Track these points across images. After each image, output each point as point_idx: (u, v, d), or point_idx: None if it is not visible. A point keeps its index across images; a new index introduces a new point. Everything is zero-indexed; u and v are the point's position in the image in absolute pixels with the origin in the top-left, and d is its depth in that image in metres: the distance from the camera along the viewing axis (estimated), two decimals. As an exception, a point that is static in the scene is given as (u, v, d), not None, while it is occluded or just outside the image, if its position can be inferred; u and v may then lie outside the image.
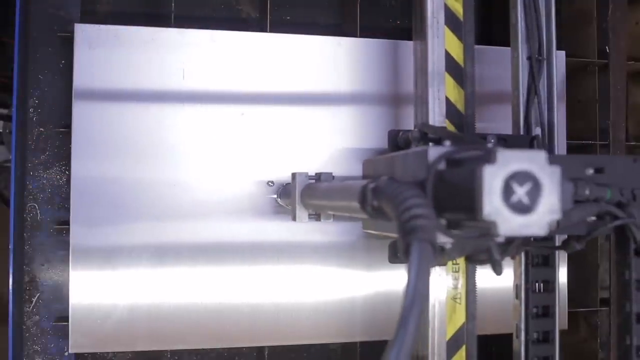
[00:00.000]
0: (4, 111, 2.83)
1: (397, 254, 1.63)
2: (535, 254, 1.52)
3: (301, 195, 1.52)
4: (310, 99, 1.88)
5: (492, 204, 0.74)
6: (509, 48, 1.63)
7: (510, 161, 0.74)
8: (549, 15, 1.61)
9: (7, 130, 2.82)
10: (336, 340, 1.97)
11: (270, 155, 1.85)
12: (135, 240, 1.76)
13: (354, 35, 1.98)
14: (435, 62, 1.60)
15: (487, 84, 1.90)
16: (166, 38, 1.81)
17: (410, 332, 0.63)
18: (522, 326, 1.51)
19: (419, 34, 1.66)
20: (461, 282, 1.60)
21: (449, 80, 1.61)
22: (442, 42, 1.60)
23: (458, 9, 1.62)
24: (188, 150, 1.81)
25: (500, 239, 0.94)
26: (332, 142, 1.87)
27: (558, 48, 1.78)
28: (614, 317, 1.21)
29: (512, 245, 1.09)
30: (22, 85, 1.81)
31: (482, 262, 1.09)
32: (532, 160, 0.75)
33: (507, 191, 0.74)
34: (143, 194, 1.77)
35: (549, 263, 1.53)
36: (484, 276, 1.60)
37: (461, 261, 1.61)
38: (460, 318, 1.59)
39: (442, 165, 0.93)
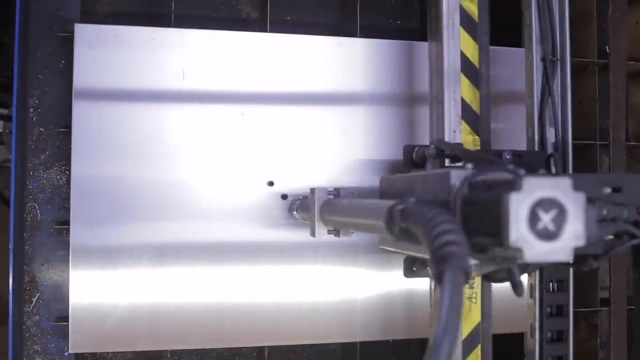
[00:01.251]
0: (4, 111, 2.83)
1: (412, 269, 1.63)
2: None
3: (320, 211, 1.50)
4: (310, 99, 1.88)
5: (519, 231, 0.75)
6: (515, 49, 1.63)
7: (536, 188, 0.75)
8: (563, 16, 1.62)
9: (7, 130, 2.82)
10: (336, 340, 1.97)
11: (270, 155, 1.85)
12: (135, 240, 1.76)
13: (354, 35, 1.98)
14: (451, 63, 1.61)
15: (498, 84, 1.90)
16: (166, 38, 1.81)
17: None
18: (537, 325, 1.52)
19: (434, 35, 1.68)
20: (477, 282, 1.61)
21: (465, 81, 1.62)
22: (458, 43, 1.62)
23: (473, 10, 1.63)
24: (188, 150, 1.81)
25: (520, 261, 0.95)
26: (332, 141, 1.87)
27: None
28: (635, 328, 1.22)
29: (531, 265, 1.10)
30: (22, 85, 1.81)
31: (500, 281, 1.10)
32: (557, 187, 0.76)
33: (533, 218, 0.75)
34: (143, 193, 1.77)
35: None
36: None
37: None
38: (475, 317, 1.60)
39: (465, 190, 0.94)
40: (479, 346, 1.60)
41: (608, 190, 1.07)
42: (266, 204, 1.84)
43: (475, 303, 1.60)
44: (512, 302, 1.80)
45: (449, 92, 1.60)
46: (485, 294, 1.60)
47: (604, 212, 1.03)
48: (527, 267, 1.09)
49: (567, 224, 0.75)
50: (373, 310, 1.89)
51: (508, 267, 1.01)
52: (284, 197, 1.85)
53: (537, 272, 1.53)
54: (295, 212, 1.79)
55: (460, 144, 1.58)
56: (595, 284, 2.11)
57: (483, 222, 0.85)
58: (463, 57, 1.62)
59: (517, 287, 1.04)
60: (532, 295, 1.55)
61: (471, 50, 1.63)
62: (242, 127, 1.84)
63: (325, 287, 1.87)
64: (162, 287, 1.77)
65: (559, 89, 1.61)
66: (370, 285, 1.89)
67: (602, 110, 2.11)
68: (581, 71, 2.13)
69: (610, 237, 1.09)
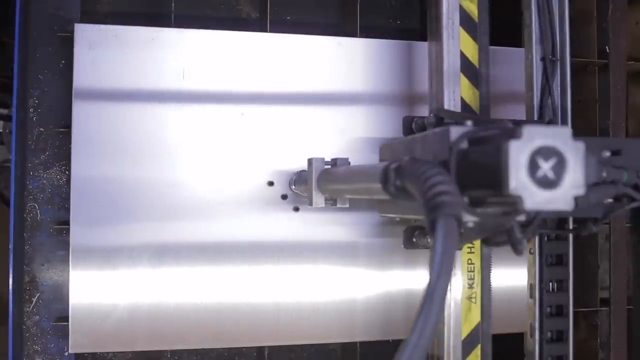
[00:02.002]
0: (4, 111, 2.83)
1: (412, 239, 1.64)
2: (549, 253, 1.54)
3: (318, 180, 1.52)
4: (310, 99, 1.88)
5: (519, 179, 0.75)
6: (515, 49, 1.63)
7: (536, 136, 0.76)
8: (563, 16, 1.62)
9: (7, 130, 2.82)
10: (336, 340, 1.97)
11: (270, 155, 1.85)
12: (135, 240, 1.76)
13: (354, 35, 1.98)
14: (451, 62, 1.62)
15: (497, 84, 1.90)
16: (166, 38, 1.81)
17: (436, 306, 0.65)
18: (537, 325, 1.52)
19: (434, 35, 1.68)
20: (476, 282, 1.61)
21: (464, 81, 1.62)
22: (458, 43, 1.62)
23: (473, 10, 1.63)
24: (188, 150, 1.81)
25: (521, 218, 0.95)
26: (331, 141, 1.87)
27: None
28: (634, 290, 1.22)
29: (531, 226, 1.10)
30: (22, 85, 1.81)
31: (500, 244, 1.10)
32: (557, 136, 0.76)
33: (533, 166, 0.75)
34: (143, 193, 1.77)
35: (562, 262, 1.55)
36: (496, 276, 1.62)
37: (477, 261, 1.62)
38: (475, 317, 1.60)
39: (464, 145, 0.95)
40: (479, 346, 1.60)
41: (607, 153, 1.07)
42: (266, 204, 1.84)
43: (475, 303, 1.60)
44: (511, 302, 1.82)
45: (449, 92, 1.60)
46: (485, 293, 1.60)
47: (604, 174, 1.03)
48: (527, 229, 1.09)
49: (567, 173, 0.75)
50: (373, 310, 1.89)
51: (507, 225, 1.02)
52: (284, 197, 1.85)
53: (537, 272, 1.53)
54: (293, 186, 1.80)
55: (461, 112, 1.58)
56: (595, 284, 2.11)
57: (482, 173, 0.86)
58: (463, 57, 1.62)
59: (516, 245, 1.04)
60: (532, 295, 1.55)
61: (471, 50, 1.63)
62: (242, 127, 1.84)
63: (325, 287, 1.87)
64: (162, 287, 1.77)
65: (559, 88, 1.61)
66: (370, 285, 1.89)
67: (602, 110, 2.11)
68: (581, 71, 2.13)
69: (610, 200, 1.10)
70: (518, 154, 0.75)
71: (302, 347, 2.00)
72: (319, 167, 1.52)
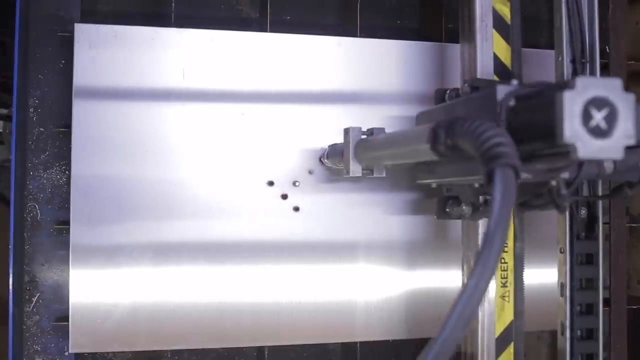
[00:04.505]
0: (4, 111, 2.83)
1: (445, 209, 1.65)
2: (579, 252, 1.56)
3: (355, 149, 1.53)
4: (310, 99, 1.89)
5: (573, 128, 0.78)
6: (545, 50, 1.65)
7: (589, 87, 0.79)
8: (592, 19, 1.65)
9: (7, 130, 2.82)
10: (336, 340, 1.97)
11: (271, 155, 1.85)
12: (135, 239, 1.76)
13: (354, 35, 1.98)
14: (484, 65, 1.63)
15: None
16: (166, 38, 1.81)
17: (494, 253, 0.66)
18: (567, 323, 1.55)
19: (466, 37, 1.71)
20: (509, 281, 1.63)
21: None
22: (491, 45, 1.65)
23: (506, 12, 1.66)
24: (188, 149, 1.81)
25: (565, 176, 0.98)
26: (331, 141, 1.87)
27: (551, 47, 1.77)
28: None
29: (573, 185, 1.11)
30: (22, 85, 1.81)
31: (540, 207, 1.11)
32: (609, 87, 0.79)
33: (586, 116, 0.78)
34: (143, 193, 1.77)
35: (592, 262, 1.57)
36: (528, 275, 1.65)
37: (510, 260, 1.64)
38: (508, 316, 1.63)
39: (512, 102, 0.97)
40: (512, 344, 1.62)
41: None
42: (266, 203, 1.84)
43: (508, 302, 1.63)
44: (543, 300, 1.83)
45: None
46: (518, 292, 1.63)
47: None
48: (572, 183, 1.10)
49: (618, 123, 0.78)
50: (373, 310, 1.89)
51: (548, 188, 1.03)
52: (284, 197, 1.85)
53: (568, 271, 1.56)
54: (325, 160, 1.80)
55: (496, 80, 1.60)
56: (596, 283, 2.11)
57: (533, 126, 0.88)
58: (496, 59, 1.65)
59: (561, 202, 1.05)
60: (562, 294, 1.58)
61: (504, 52, 1.66)
62: (242, 127, 1.84)
63: (325, 287, 1.87)
64: (162, 286, 1.78)
65: None
66: (370, 285, 1.89)
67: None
68: (581, 71, 2.13)
69: None
70: (572, 103, 0.78)
71: (302, 347, 2.00)
72: (356, 136, 1.53)
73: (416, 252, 1.92)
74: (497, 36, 1.67)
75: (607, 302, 2.09)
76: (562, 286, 1.58)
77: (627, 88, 0.79)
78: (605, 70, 2.11)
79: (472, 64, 1.66)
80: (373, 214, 1.89)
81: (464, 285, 0.66)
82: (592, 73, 1.64)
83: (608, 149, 0.78)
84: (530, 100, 0.95)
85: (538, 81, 1.00)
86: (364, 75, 1.91)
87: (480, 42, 1.65)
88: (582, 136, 0.78)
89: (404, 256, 1.91)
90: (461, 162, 1.17)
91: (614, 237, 2.06)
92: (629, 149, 0.81)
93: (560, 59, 1.62)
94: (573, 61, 1.62)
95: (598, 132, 0.78)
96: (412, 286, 1.92)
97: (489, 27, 1.65)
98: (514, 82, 1.02)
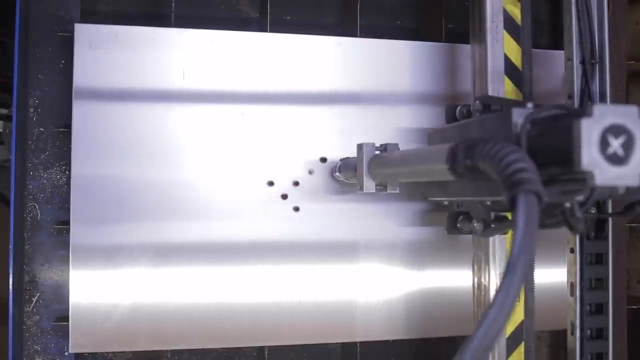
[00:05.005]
0: (4, 111, 2.83)
1: (456, 225, 1.65)
2: (589, 252, 1.57)
3: (368, 165, 1.52)
4: (310, 99, 1.88)
5: (591, 156, 0.79)
6: (555, 51, 1.65)
7: (607, 115, 0.79)
8: (601, 20, 1.65)
9: (7, 130, 2.82)
10: (336, 340, 1.97)
11: (271, 155, 1.85)
12: (135, 239, 1.76)
13: (354, 35, 1.98)
14: (495, 65, 1.64)
15: (537, 85, 1.90)
16: (166, 38, 1.81)
17: (517, 279, 0.66)
18: (577, 323, 1.55)
19: (477, 38, 1.72)
20: None
21: (508, 83, 1.66)
22: (502, 46, 1.66)
23: (516, 13, 1.68)
24: (188, 150, 1.81)
25: (579, 198, 0.99)
26: (331, 141, 1.87)
27: (557, 48, 1.79)
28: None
29: (586, 205, 1.12)
30: (22, 85, 1.81)
31: (554, 225, 1.12)
32: (626, 115, 0.80)
33: (604, 143, 0.79)
34: (143, 193, 1.77)
35: (602, 261, 1.58)
36: (538, 275, 1.65)
37: None
38: (519, 315, 1.63)
39: (529, 125, 0.98)
40: (523, 343, 1.63)
41: None
42: (266, 204, 1.84)
43: (519, 301, 1.63)
44: (553, 300, 1.83)
45: (494, 93, 1.64)
46: (529, 292, 1.63)
47: None
48: (584, 205, 1.11)
49: (636, 150, 0.79)
50: (373, 310, 1.89)
51: (561, 207, 1.04)
52: (284, 197, 1.85)
53: (578, 271, 1.57)
54: (337, 174, 1.80)
55: (507, 98, 1.60)
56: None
57: (550, 151, 0.89)
58: (507, 59, 1.66)
59: (576, 223, 1.06)
60: (572, 294, 1.59)
61: (514, 53, 1.67)
62: (242, 127, 1.84)
63: (325, 287, 1.87)
64: (162, 287, 1.77)
65: (598, 90, 1.64)
66: (370, 285, 1.89)
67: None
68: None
69: None
70: (590, 131, 0.79)
71: (302, 347, 2.00)
72: (369, 152, 1.53)
73: (416, 252, 1.92)
74: (507, 37, 1.68)
75: (607, 302, 2.09)
76: (572, 286, 1.58)
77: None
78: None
79: (482, 65, 1.67)
80: (373, 213, 1.89)
81: (485, 313, 0.65)
82: (602, 74, 1.64)
83: (625, 176, 0.79)
84: (547, 125, 0.96)
85: (553, 105, 1.00)
86: (363, 75, 1.91)
87: (491, 42, 1.66)
88: (600, 164, 0.79)
89: (404, 256, 1.91)
90: (475, 181, 1.18)
91: (614, 237, 2.06)
92: None
93: (570, 60, 1.63)
94: (582, 62, 1.63)
95: (615, 160, 0.79)
96: (412, 286, 1.92)
97: (499, 28, 1.66)
98: (529, 105, 1.02)
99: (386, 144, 1.54)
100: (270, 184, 1.84)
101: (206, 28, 1.85)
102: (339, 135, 1.88)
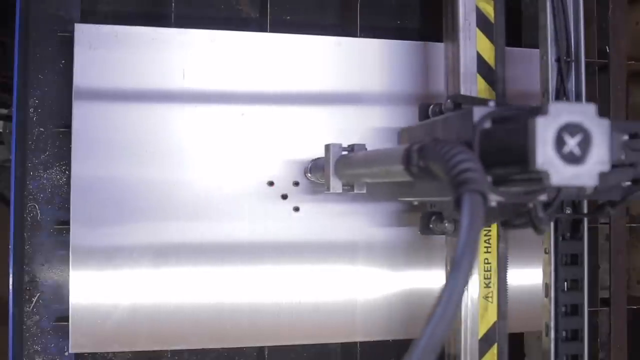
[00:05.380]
0: (4, 111, 2.83)
1: (429, 225, 1.65)
2: (564, 253, 1.56)
3: (335, 165, 1.52)
4: (310, 99, 1.88)
5: (545, 155, 0.77)
6: (529, 49, 1.64)
7: (562, 113, 0.77)
8: (577, 18, 1.64)
9: (7, 130, 2.82)
10: (336, 340, 1.97)
11: (271, 156, 1.85)
12: (135, 240, 1.76)
13: (354, 35, 1.98)
14: (468, 63, 1.63)
15: (512, 84, 1.90)
16: (166, 38, 1.81)
17: (461, 280, 0.66)
18: (552, 324, 1.54)
19: (450, 36, 1.71)
20: (493, 281, 1.62)
21: (481, 82, 1.65)
22: (474, 44, 1.65)
23: (489, 11, 1.67)
24: (188, 150, 1.81)
25: (543, 198, 0.97)
26: (331, 141, 1.87)
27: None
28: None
29: (552, 206, 1.11)
30: (22, 85, 1.81)
31: (520, 226, 1.11)
32: (583, 113, 0.78)
33: (559, 142, 0.77)
34: (143, 193, 1.77)
35: (577, 262, 1.57)
36: (512, 275, 1.66)
37: (493, 260, 1.64)
38: (492, 317, 1.63)
39: (487, 124, 0.96)
40: (495, 345, 1.62)
41: (625, 136, 1.07)
42: (266, 204, 1.84)
43: (492, 302, 1.62)
44: (527, 301, 1.83)
45: (466, 92, 1.63)
46: (502, 293, 1.62)
47: (622, 157, 1.04)
48: (547, 211, 1.10)
49: (592, 149, 0.77)
50: (373, 310, 1.89)
51: (526, 207, 1.03)
52: (284, 197, 1.85)
53: (553, 272, 1.55)
54: (309, 174, 1.80)
55: (479, 97, 1.60)
56: (596, 284, 2.11)
57: (507, 150, 0.87)
58: (479, 58, 1.65)
59: (538, 225, 1.05)
60: (547, 295, 1.57)
61: (487, 51, 1.66)
62: (242, 127, 1.84)
63: (325, 287, 1.87)
64: (162, 287, 1.77)
65: (574, 89, 1.63)
66: (370, 285, 1.89)
67: (602, 110, 2.10)
68: (581, 71, 2.13)
69: (628, 183, 1.10)
70: (545, 129, 0.77)
71: (302, 347, 2.00)
72: (336, 153, 1.53)
73: (417, 252, 1.92)
74: (480, 35, 1.67)
75: (607, 302, 2.09)
76: (546, 287, 1.57)
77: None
78: (605, 71, 2.11)
79: (455, 63, 1.66)
80: (373, 213, 1.89)
81: (432, 310, 0.65)
82: (577, 72, 1.63)
83: (582, 176, 0.77)
84: (505, 124, 0.94)
85: (516, 104, 1.00)
86: (364, 76, 1.91)
87: (464, 40, 1.65)
88: (555, 163, 0.76)
89: (403, 256, 1.91)
90: (437, 181, 1.18)
91: (614, 237, 2.06)
92: (611, 168, 0.79)
93: (545, 58, 1.61)
94: (558, 60, 1.62)
95: (571, 159, 0.77)
96: (412, 286, 1.92)
97: (472, 26, 1.65)
98: (491, 103, 1.01)
99: (354, 145, 1.53)
100: (270, 184, 1.84)
101: (206, 28, 1.85)
102: (339, 135, 1.88)
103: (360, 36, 1.97)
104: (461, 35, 1.64)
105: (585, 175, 0.77)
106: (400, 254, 1.91)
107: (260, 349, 1.96)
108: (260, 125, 1.85)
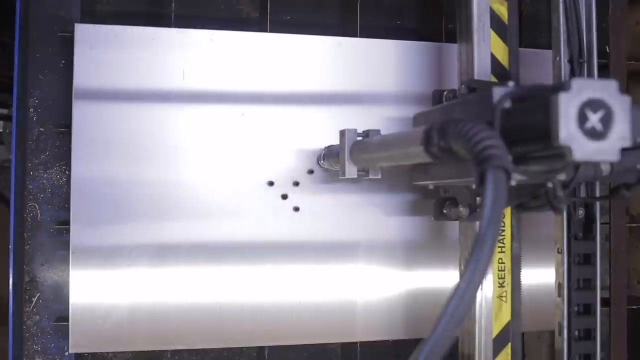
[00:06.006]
0: (4, 111, 2.83)
1: (442, 211, 1.65)
2: (577, 252, 1.56)
3: (350, 151, 1.52)
4: (310, 99, 1.88)
5: (568, 130, 0.78)
6: (542, 50, 1.64)
7: (584, 89, 0.78)
8: (589, 19, 1.66)
9: (7, 130, 2.82)
10: (336, 340, 1.97)
11: (270, 156, 1.85)
12: (135, 240, 1.76)
13: (354, 35, 1.98)
14: (482, 64, 1.64)
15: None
16: (166, 38, 1.81)
17: (485, 255, 0.67)
18: (565, 324, 1.55)
19: (463, 37, 1.71)
20: (507, 281, 1.63)
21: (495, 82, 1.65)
22: (488, 45, 1.65)
23: (503, 12, 1.67)
24: (188, 150, 1.81)
25: (561, 177, 0.98)
26: (331, 142, 1.87)
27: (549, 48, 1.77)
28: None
29: (569, 187, 1.11)
30: (22, 85, 1.81)
31: (537, 208, 1.12)
32: (605, 89, 0.79)
33: (582, 118, 0.78)
34: (143, 193, 1.77)
35: (590, 262, 1.57)
36: (525, 275, 1.66)
37: (507, 260, 1.65)
38: (506, 316, 1.64)
39: (507, 104, 0.97)
40: (509, 344, 1.62)
41: None
42: (266, 204, 1.84)
43: (506, 302, 1.63)
44: (540, 300, 1.83)
45: None
46: (515, 292, 1.63)
47: (638, 139, 1.04)
48: (567, 185, 1.10)
49: (614, 125, 0.78)
50: (373, 310, 1.89)
51: (544, 188, 1.03)
52: (284, 197, 1.85)
53: (565, 271, 1.56)
54: (322, 162, 1.80)
55: (493, 82, 1.60)
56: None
57: (528, 127, 0.88)
58: (493, 58, 1.66)
59: (557, 204, 1.05)
60: (560, 294, 1.58)
61: (501, 52, 1.67)
62: (242, 127, 1.84)
63: (325, 287, 1.87)
64: (162, 287, 1.77)
65: None
66: (370, 285, 1.89)
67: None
68: (581, 71, 2.13)
69: None
70: (568, 105, 0.78)
71: (302, 347, 2.00)
72: (351, 138, 1.54)
73: (416, 252, 1.92)
74: (494, 36, 1.67)
75: (607, 302, 2.09)
76: (559, 286, 1.58)
77: (627, 88, 0.80)
78: (605, 70, 2.11)
79: (469, 64, 1.67)
80: (373, 214, 1.89)
81: (456, 287, 0.66)
82: (590, 73, 1.64)
83: (604, 151, 0.78)
84: (526, 102, 0.95)
85: (535, 83, 1.00)
86: (364, 76, 1.91)
87: (478, 42, 1.65)
88: (578, 138, 0.78)
89: (403, 256, 1.91)
90: (456, 163, 1.17)
91: (614, 237, 2.06)
92: (625, 150, 0.81)
93: (557, 59, 1.63)
94: (570, 61, 1.63)
95: (594, 134, 0.78)
96: (412, 286, 1.92)
97: (486, 27, 1.65)
98: (510, 83, 1.02)
99: (368, 130, 1.54)
100: (270, 184, 1.84)
101: (206, 28, 1.85)
102: (338, 135, 1.87)
103: (360, 36, 1.98)
104: (475, 36, 1.65)
105: (607, 150, 0.78)
106: (401, 254, 1.91)
107: (260, 349, 1.96)
108: (260, 125, 1.85)
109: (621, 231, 2.08)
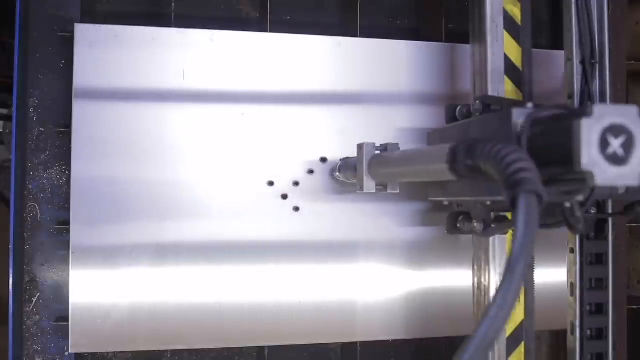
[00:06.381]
0: (4, 111, 2.83)
1: (456, 225, 1.65)
2: (589, 252, 1.57)
3: (369, 165, 1.51)
4: (310, 99, 1.88)
5: (590, 155, 0.79)
6: (555, 51, 1.65)
7: (606, 115, 0.79)
8: (601, 20, 1.67)
9: (7, 130, 2.82)
10: (336, 340, 1.97)
11: (270, 155, 1.85)
12: (135, 239, 1.76)
13: (354, 35, 1.98)
14: (495, 65, 1.64)
15: (538, 85, 1.91)
16: (166, 38, 1.81)
17: (516, 280, 0.66)
18: (577, 323, 1.56)
19: (477, 37, 1.72)
20: None
21: (508, 83, 1.66)
22: (502, 46, 1.66)
23: (516, 13, 1.68)
24: (188, 150, 1.81)
25: (579, 198, 1.00)
26: (331, 141, 1.87)
27: (556, 48, 1.78)
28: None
29: (586, 205, 1.12)
30: (22, 85, 1.81)
31: (552, 226, 1.12)
32: (626, 115, 0.80)
33: (603, 143, 0.79)
34: (143, 193, 1.77)
35: (602, 262, 1.58)
36: (538, 275, 1.65)
37: None
38: (519, 315, 1.64)
39: (530, 125, 0.98)
40: (523, 343, 1.63)
41: None
42: (266, 204, 1.84)
43: (519, 301, 1.63)
44: (553, 300, 1.83)
45: (493, 93, 1.65)
46: (529, 292, 1.63)
47: None
48: (584, 205, 1.10)
49: (636, 150, 0.79)
50: (373, 310, 1.89)
51: (561, 207, 1.03)
52: (284, 197, 1.85)
53: (578, 271, 1.57)
54: (338, 174, 1.79)
55: (507, 98, 1.61)
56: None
57: (550, 151, 0.89)
58: (507, 59, 1.67)
59: (575, 224, 1.05)
60: (572, 294, 1.60)
61: (514, 53, 1.68)
62: (242, 127, 1.84)
63: (325, 287, 1.87)
64: (162, 287, 1.77)
65: (598, 90, 1.65)
66: (370, 285, 1.89)
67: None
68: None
69: None
70: (590, 131, 0.79)
71: (302, 347, 2.00)
72: (370, 152, 1.52)
73: (416, 252, 1.92)
74: (507, 37, 1.68)
75: (607, 302, 2.09)
76: (572, 286, 1.59)
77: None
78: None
79: (482, 65, 1.68)
80: (373, 214, 1.89)
81: (486, 311, 0.65)
82: (602, 74, 1.65)
83: (625, 176, 0.79)
84: (547, 125, 0.96)
85: (553, 104, 1.00)
86: (363, 76, 1.91)
87: (491, 42, 1.66)
88: (600, 164, 0.78)
89: (404, 256, 1.91)
90: (475, 181, 1.18)
91: (614, 237, 2.06)
92: None
93: (570, 60, 1.64)
94: (582, 62, 1.63)
95: (615, 159, 0.79)
96: (412, 286, 1.92)
97: (499, 28, 1.66)
98: (529, 105, 1.02)
99: (387, 144, 1.53)
100: (270, 184, 1.84)
101: (206, 28, 1.85)
102: (339, 135, 1.88)
103: (360, 36, 1.98)
104: (489, 37, 1.66)
105: (628, 175, 0.79)
106: (401, 254, 1.91)
107: (260, 349, 1.96)
108: (260, 125, 1.85)
109: (621, 231, 2.08)
